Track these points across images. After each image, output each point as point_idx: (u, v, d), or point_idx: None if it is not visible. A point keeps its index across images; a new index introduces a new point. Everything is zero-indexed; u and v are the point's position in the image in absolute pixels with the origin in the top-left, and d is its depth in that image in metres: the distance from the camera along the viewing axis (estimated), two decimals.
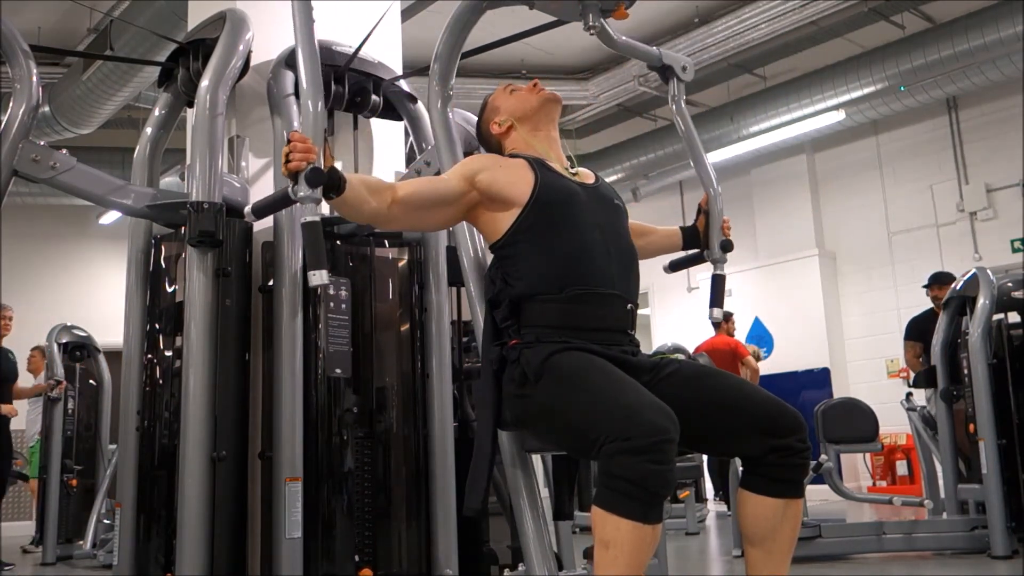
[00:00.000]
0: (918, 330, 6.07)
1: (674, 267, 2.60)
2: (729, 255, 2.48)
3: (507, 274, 2.06)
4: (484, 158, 2.22)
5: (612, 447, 1.68)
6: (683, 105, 2.48)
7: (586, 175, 2.23)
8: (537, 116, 2.24)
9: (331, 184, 1.87)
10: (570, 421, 1.85)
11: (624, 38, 2.35)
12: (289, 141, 1.88)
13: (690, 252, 2.52)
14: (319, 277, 1.89)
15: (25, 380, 6.85)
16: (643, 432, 1.66)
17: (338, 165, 3.11)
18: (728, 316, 8.11)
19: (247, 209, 2.04)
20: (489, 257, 2.17)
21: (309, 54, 2.10)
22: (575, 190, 2.12)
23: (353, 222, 2.08)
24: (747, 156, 9.34)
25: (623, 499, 1.67)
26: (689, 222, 2.52)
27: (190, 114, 2.87)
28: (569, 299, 2.00)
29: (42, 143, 2.47)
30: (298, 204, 1.90)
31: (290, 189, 1.89)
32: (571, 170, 2.20)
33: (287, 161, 1.87)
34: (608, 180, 3.02)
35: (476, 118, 2.37)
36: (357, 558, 2.62)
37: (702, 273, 10.30)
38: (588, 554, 2.97)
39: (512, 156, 2.20)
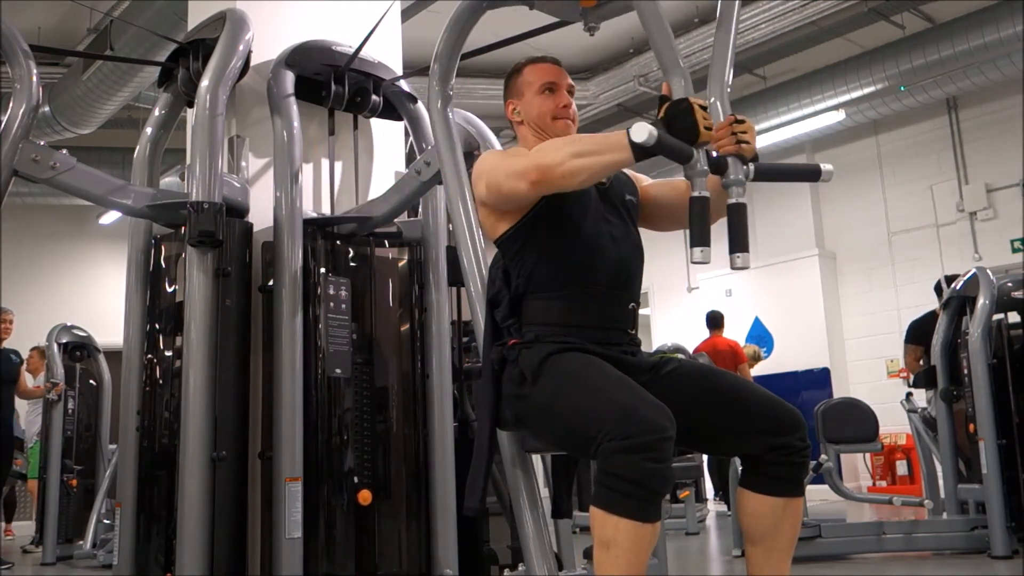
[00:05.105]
0: (919, 333, 6.04)
1: None
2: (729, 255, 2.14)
3: (509, 271, 2.06)
4: (504, 153, 2.17)
5: (610, 446, 1.68)
6: None
7: None
8: (544, 134, 2.19)
9: None
10: (568, 421, 1.84)
11: None
12: (734, 122, 1.81)
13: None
14: (704, 254, 1.76)
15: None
16: (640, 430, 1.67)
17: (338, 165, 3.13)
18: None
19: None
20: (489, 257, 2.17)
21: None
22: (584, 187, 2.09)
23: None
24: None
25: (622, 498, 1.67)
26: None
27: (190, 114, 2.87)
28: (570, 297, 2.00)
29: (42, 143, 2.47)
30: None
31: (702, 158, 1.78)
32: None
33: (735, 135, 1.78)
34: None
35: (476, 118, 2.36)
36: (356, 479, 2.63)
37: (702, 273, 10.30)
38: (588, 554, 2.97)
39: None
